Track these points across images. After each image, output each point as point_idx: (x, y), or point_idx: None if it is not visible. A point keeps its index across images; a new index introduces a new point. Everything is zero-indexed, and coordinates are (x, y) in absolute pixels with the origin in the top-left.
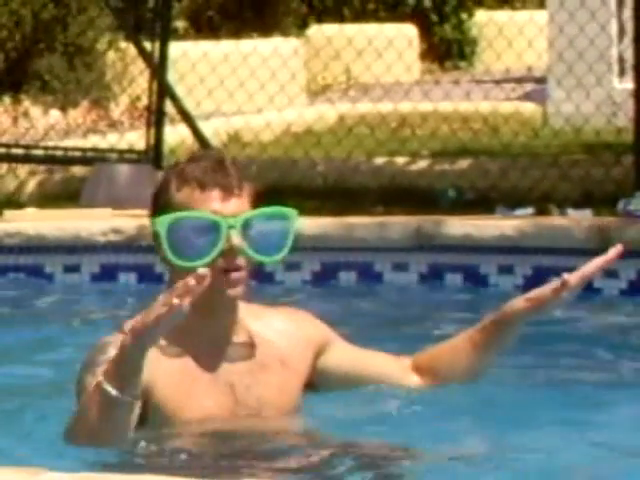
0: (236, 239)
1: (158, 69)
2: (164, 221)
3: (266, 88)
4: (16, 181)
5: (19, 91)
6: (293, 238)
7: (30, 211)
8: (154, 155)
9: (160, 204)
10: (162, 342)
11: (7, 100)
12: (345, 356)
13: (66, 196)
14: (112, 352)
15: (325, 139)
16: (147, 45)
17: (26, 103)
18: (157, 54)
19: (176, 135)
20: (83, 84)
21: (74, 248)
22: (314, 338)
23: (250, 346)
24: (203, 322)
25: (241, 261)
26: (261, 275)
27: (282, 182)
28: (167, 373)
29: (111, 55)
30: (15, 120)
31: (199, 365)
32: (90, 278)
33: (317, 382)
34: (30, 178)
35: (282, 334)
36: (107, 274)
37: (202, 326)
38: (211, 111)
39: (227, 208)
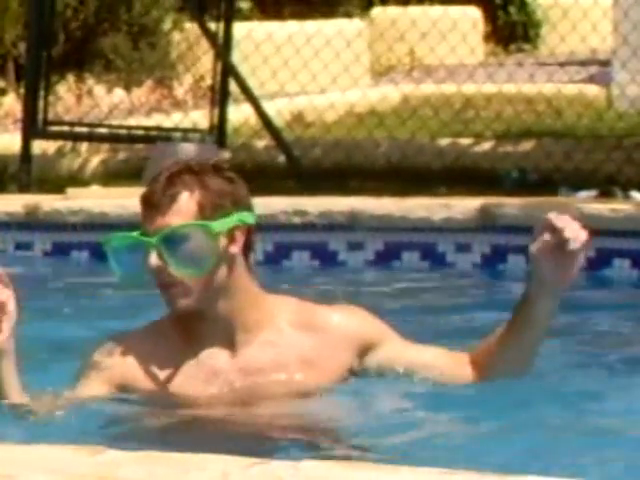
0: (153, 258)
1: (222, 49)
2: (106, 241)
3: (330, 69)
4: (80, 159)
5: (83, 70)
6: (216, 250)
7: (93, 189)
8: (218, 134)
9: None
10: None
11: (71, 79)
12: (394, 355)
13: (129, 174)
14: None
15: (389, 120)
16: (211, 25)
17: (90, 82)
18: (221, 34)
19: (239, 114)
20: (147, 63)
21: (137, 226)
22: (357, 337)
23: (267, 346)
24: (193, 326)
25: (165, 277)
26: (324, 255)
27: (345, 162)
28: (157, 368)
29: (175, 35)
30: (79, 99)
31: (197, 361)
32: None
33: (366, 376)
34: (94, 156)
35: (315, 332)
36: None
37: (196, 330)
38: (275, 91)
39: (151, 226)
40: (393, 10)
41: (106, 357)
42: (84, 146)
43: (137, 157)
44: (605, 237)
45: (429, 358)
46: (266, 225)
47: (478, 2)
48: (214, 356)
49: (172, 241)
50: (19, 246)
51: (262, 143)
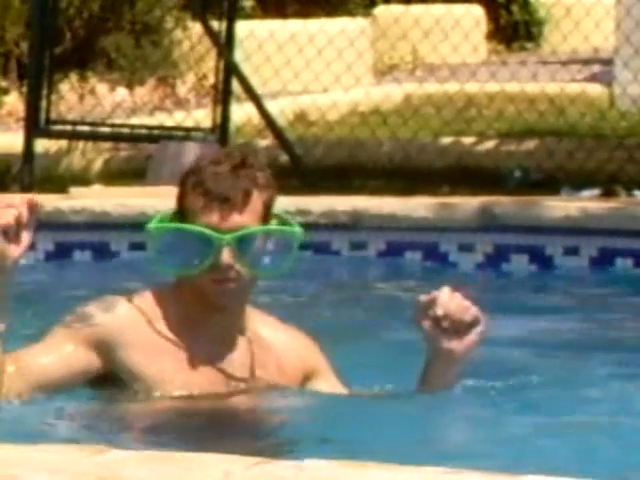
0: (227, 256)
1: (225, 48)
2: (162, 229)
3: (332, 68)
4: (82, 158)
5: (86, 69)
6: (295, 253)
7: (96, 188)
8: (220, 133)
9: (177, 198)
10: (161, 328)
11: (74, 77)
12: (327, 390)
13: (132, 173)
14: (90, 306)
15: (391, 119)
16: (214, 24)
17: (92, 81)
18: (224, 33)
19: (242, 113)
20: (150, 62)
21: (139, 225)
22: (308, 362)
23: (251, 344)
24: (204, 316)
25: (233, 274)
26: (327, 252)
27: (348, 162)
28: (151, 347)
29: (178, 34)
30: (82, 97)
31: (190, 350)
32: None
33: None
34: (96, 155)
35: (284, 345)
36: None
37: (202, 319)
38: (277, 90)
39: (226, 223)
40: (396, 8)
41: (101, 313)
42: (86, 145)
43: (140, 156)
44: (607, 236)
45: None
46: None
47: (481, 0)
48: (211, 349)
49: (251, 241)
50: None
51: (265, 142)
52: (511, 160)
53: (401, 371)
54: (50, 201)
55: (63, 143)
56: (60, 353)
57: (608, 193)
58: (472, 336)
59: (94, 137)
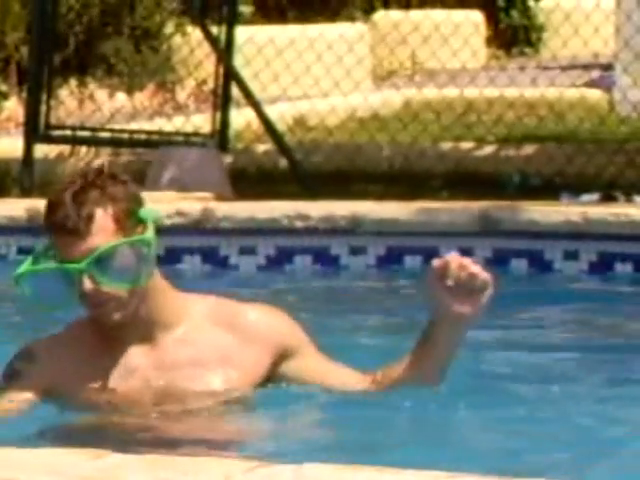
0: (87, 284)
1: (224, 53)
2: (24, 275)
3: (332, 73)
4: (82, 163)
5: (85, 74)
6: (153, 258)
7: None
8: (220, 138)
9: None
10: (87, 337)
11: (73, 83)
12: (308, 366)
13: (131, 179)
14: (16, 364)
15: (391, 124)
16: (213, 29)
17: (92, 86)
18: (223, 38)
19: (242, 118)
20: (149, 67)
21: None
22: (277, 342)
23: (184, 343)
24: (125, 327)
25: (102, 297)
26: (325, 259)
27: (347, 166)
28: (78, 371)
29: (177, 39)
30: (81, 103)
31: (118, 361)
32: (156, 261)
33: (276, 382)
34: (96, 160)
35: (237, 331)
36: (172, 257)
37: (125, 330)
38: (277, 95)
39: (77, 251)
40: (395, 14)
41: (28, 364)
42: (89, 150)
43: (139, 161)
44: (607, 241)
45: (341, 378)
46: (268, 229)
47: (480, 6)
48: (133, 355)
49: (105, 261)
50: (21, 250)
51: (264, 147)
52: (510, 165)
53: None
54: None
55: (63, 148)
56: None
57: (607, 198)
58: (481, 299)
59: (94, 142)
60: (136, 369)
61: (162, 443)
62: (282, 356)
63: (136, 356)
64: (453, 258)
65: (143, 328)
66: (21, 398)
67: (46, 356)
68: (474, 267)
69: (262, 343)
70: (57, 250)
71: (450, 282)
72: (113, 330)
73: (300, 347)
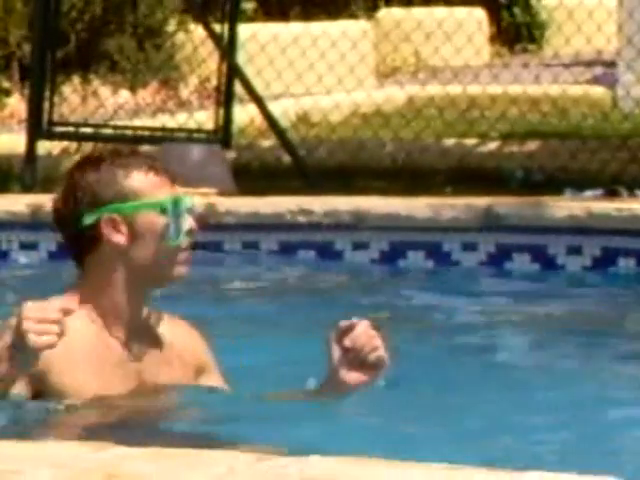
0: (193, 220)
1: (227, 51)
2: (156, 203)
3: (335, 70)
4: None
5: (88, 71)
6: None
7: None
8: (223, 134)
9: (108, 196)
10: (85, 319)
11: (76, 80)
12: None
13: None
14: (7, 339)
15: (394, 120)
16: (216, 27)
17: (95, 83)
18: (226, 36)
19: (245, 115)
20: (152, 65)
21: None
22: (200, 357)
23: (158, 341)
24: (130, 310)
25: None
26: (329, 254)
27: (351, 162)
28: (73, 353)
29: (180, 36)
30: (84, 99)
31: (113, 349)
32: None
33: None
34: None
35: (179, 338)
36: None
37: (129, 314)
38: (280, 92)
39: (176, 190)
40: (398, 11)
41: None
42: (89, 147)
43: None
44: (610, 236)
45: None
46: (272, 224)
47: (483, 3)
48: (124, 353)
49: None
50: (23, 246)
51: (267, 143)
52: (514, 161)
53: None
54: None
55: (67, 145)
56: None
57: (611, 193)
58: (366, 377)
59: (97, 139)
60: (125, 365)
61: (164, 436)
62: (199, 372)
63: (126, 351)
64: (362, 323)
65: (145, 319)
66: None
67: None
68: (377, 341)
69: (191, 354)
70: (157, 193)
71: (347, 342)
72: (140, 297)
73: (211, 367)
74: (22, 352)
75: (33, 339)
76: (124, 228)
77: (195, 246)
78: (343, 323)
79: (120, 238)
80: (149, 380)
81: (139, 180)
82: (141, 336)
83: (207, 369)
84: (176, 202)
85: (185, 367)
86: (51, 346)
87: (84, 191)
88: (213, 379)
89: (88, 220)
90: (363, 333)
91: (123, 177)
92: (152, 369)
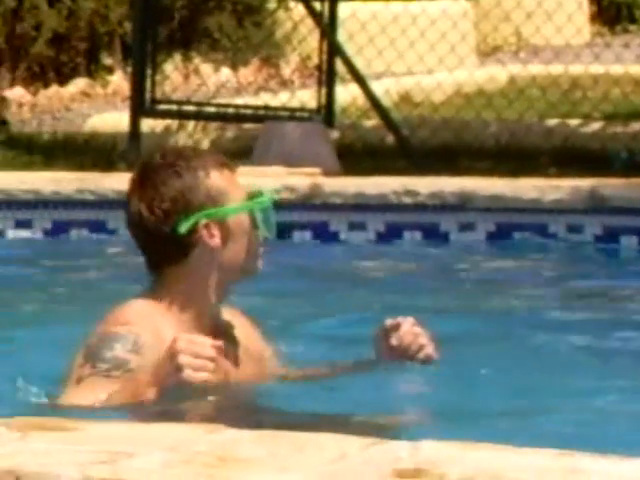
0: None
1: (328, 29)
2: (252, 205)
3: (436, 49)
4: (188, 138)
5: (190, 49)
6: None
7: None
8: (325, 114)
9: (198, 201)
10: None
11: (178, 58)
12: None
13: (239, 153)
14: (119, 350)
15: (496, 100)
16: (316, 5)
17: (196, 61)
18: (326, 14)
19: (347, 94)
20: (253, 42)
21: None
22: (257, 343)
23: (232, 336)
24: (215, 309)
25: None
26: (438, 236)
27: (454, 142)
28: None
29: (281, 14)
30: (186, 77)
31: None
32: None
33: None
34: (203, 135)
35: (240, 329)
36: (282, 232)
37: (215, 313)
38: (381, 71)
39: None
40: None
41: (137, 356)
42: (195, 125)
43: (245, 136)
44: None
45: None
46: (376, 205)
47: None
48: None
49: None
50: None
51: (370, 123)
52: (618, 142)
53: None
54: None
55: (169, 122)
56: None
57: None
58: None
59: (199, 117)
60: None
61: (274, 420)
62: (263, 359)
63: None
64: (407, 322)
65: (216, 315)
66: (137, 393)
67: (154, 346)
68: (423, 338)
69: (260, 341)
70: (240, 189)
71: (394, 341)
72: (223, 292)
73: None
74: (172, 378)
75: (190, 374)
76: (217, 231)
77: (302, 226)
78: (388, 322)
79: (215, 241)
80: (233, 377)
81: (219, 179)
82: (222, 334)
83: (266, 355)
84: (263, 199)
85: (252, 358)
86: (205, 382)
87: (173, 199)
88: (273, 363)
89: (183, 228)
90: (409, 332)
91: (205, 179)
92: (233, 363)
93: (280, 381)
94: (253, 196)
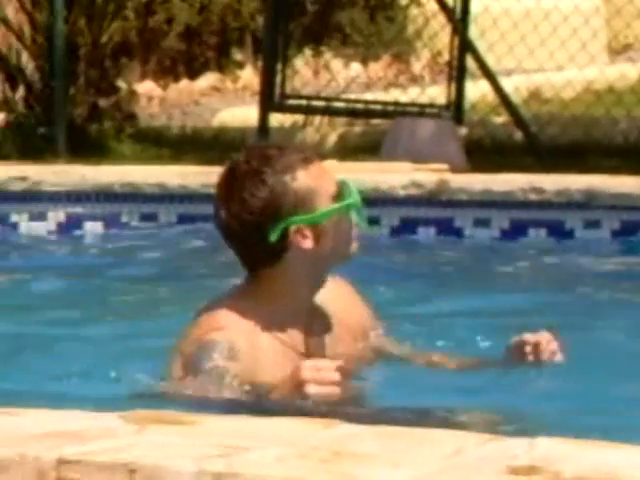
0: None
1: (459, 25)
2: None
3: (567, 46)
4: (316, 133)
5: (320, 44)
6: None
7: (331, 162)
8: (455, 110)
9: (288, 206)
10: (264, 338)
11: (308, 53)
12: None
13: (366, 148)
14: (218, 360)
15: (627, 98)
16: (449, 0)
17: (327, 56)
18: (459, 9)
19: (476, 91)
20: (384, 38)
21: (374, 201)
22: (360, 318)
23: (328, 320)
24: (310, 300)
25: None
26: (560, 232)
27: (583, 140)
28: (269, 360)
29: (413, 10)
30: (316, 73)
31: (297, 358)
32: (390, 231)
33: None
34: (330, 130)
35: (341, 305)
36: (407, 227)
37: (309, 304)
38: (512, 67)
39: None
40: None
41: (232, 362)
42: (322, 120)
43: (374, 131)
44: None
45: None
46: (503, 202)
47: None
48: (306, 339)
49: None
50: None
51: (499, 119)
52: None
53: None
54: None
55: (298, 117)
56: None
57: None
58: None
59: (328, 112)
60: (310, 351)
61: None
62: (365, 332)
63: (308, 337)
64: (544, 337)
65: (309, 304)
66: (235, 402)
67: (249, 350)
68: (559, 356)
69: (364, 311)
70: (330, 177)
71: (530, 357)
72: (318, 285)
73: (374, 323)
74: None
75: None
76: (309, 232)
77: (427, 222)
78: (527, 338)
79: (308, 243)
80: (330, 355)
81: (306, 178)
82: (316, 321)
83: (370, 329)
84: (353, 193)
85: (355, 337)
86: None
87: (261, 209)
88: (378, 339)
89: (274, 236)
90: (546, 350)
91: (292, 182)
92: (331, 353)
93: (394, 361)
94: (342, 190)
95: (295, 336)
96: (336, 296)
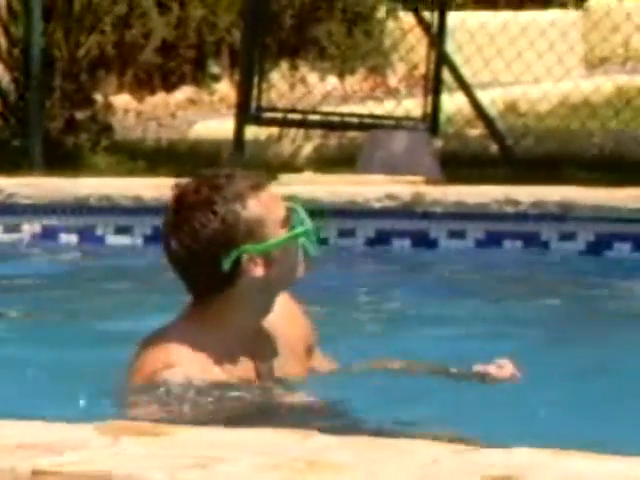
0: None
1: (436, 38)
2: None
3: (543, 59)
4: (292, 145)
5: (297, 57)
6: None
7: (306, 175)
8: (431, 122)
9: (239, 236)
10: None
11: (284, 66)
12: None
13: (342, 161)
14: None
15: (602, 111)
16: (426, 14)
17: (303, 69)
18: (436, 23)
19: (452, 104)
20: (361, 51)
21: (350, 213)
22: (305, 338)
23: (273, 340)
24: (259, 324)
25: None
26: (535, 244)
27: (558, 152)
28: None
29: (389, 23)
30: (292, 86)
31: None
32: (365, 243)
33: None
34: (306, 143)
35: (286, 325)
36: (382, 239)
37: (258, 328)
38: (488, 81)
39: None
40: (608, 1)
41: (186, 390)
42: (297, 133)
43: (350, 144)
44: None
45: None
46: (478, 213)
47: None
48: (257, 356)
49: None
50: None
51: (475, 132)
52: None
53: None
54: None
55: (273, 130)
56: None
57: None
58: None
59: (304, 125)
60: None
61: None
62: (308, 352)
63: (259, 355)
64: (492, 369)
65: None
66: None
67: (203, 377)
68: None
69: (302, 343)
70: (280, 205)
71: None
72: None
73: (315, 345)
74: None
75: None
76: (260, 260)
77: (402, 234)
78: (477, 369)
79: (259, 271)
80: (279, 373)
81: (256, 207)
82: (262, 344)
83: (313, 349)
84: (304, 220)
85: (300, 355)
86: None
87: (212, 240)
88: (318, 360)
89: (226, 266)
90: (498, 376)
91: (242, 211)
92: (280, 374)
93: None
94: (292, 216)
95: (245, 364)
96: (281, 312)
